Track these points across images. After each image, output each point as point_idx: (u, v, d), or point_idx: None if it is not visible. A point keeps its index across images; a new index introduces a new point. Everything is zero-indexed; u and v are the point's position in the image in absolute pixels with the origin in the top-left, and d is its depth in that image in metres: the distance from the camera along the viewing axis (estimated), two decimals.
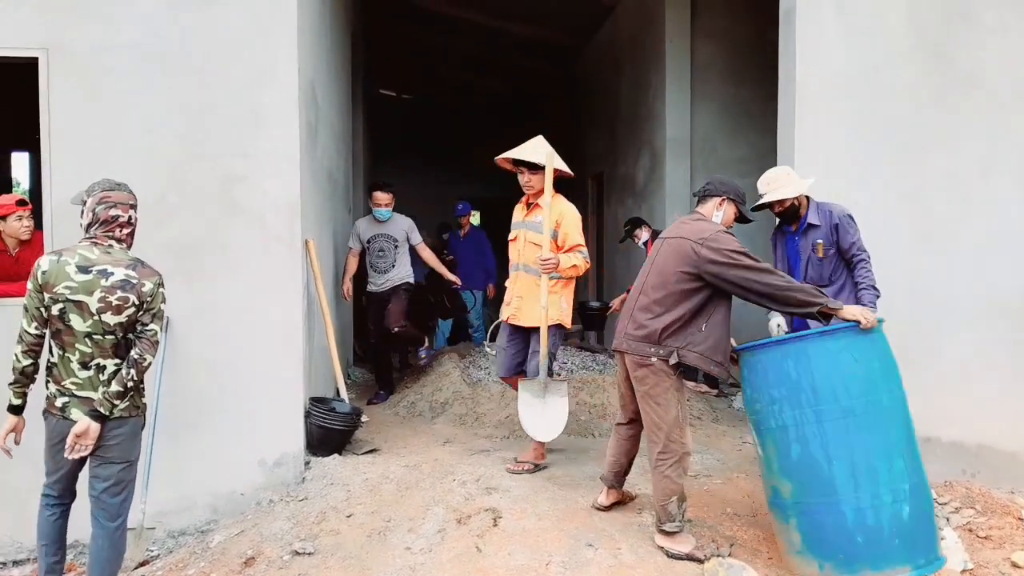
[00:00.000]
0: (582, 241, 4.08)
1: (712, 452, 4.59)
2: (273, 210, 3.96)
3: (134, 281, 2.82)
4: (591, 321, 7.62)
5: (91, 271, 2.78)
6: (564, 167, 4.09)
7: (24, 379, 2.85)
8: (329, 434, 4.21)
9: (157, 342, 2.90)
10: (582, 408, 5.19)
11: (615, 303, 4.77)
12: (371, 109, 10.25)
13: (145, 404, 3.04)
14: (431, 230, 9.30)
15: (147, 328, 2.86)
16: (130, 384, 2.81)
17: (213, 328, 3.90)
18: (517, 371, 4.28)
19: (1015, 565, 3.25)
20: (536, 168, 4.03)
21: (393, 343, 6.00)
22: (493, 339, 5.35)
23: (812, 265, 3.80)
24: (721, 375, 3.27)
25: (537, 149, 4.04)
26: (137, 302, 2.83)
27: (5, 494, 3.70)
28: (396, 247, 5.80)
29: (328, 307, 4.67)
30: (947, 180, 4.16)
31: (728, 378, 4.43)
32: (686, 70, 6.96)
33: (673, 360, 3.11)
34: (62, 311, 2.77)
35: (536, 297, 4.02)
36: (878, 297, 3.65)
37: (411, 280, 5.94)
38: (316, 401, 4.28)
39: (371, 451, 4.40)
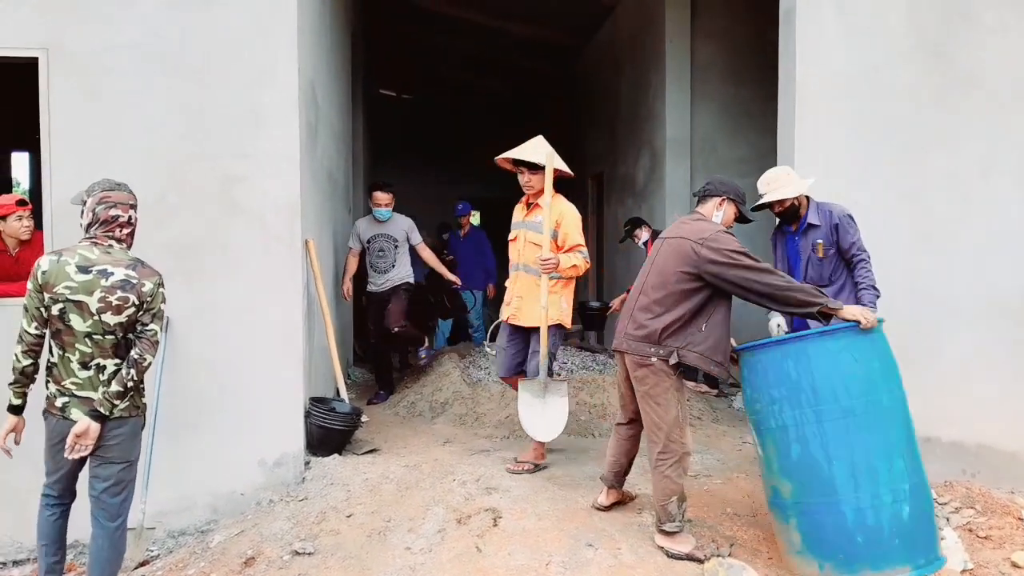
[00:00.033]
0: (582, 241, 4.08)
1: (712, 452, 4.59)
2: (273, 210, 3.96)
3: (134, 281, 2.82)
4: (591, 321, 7.62)
5: (91, 271, 2.78)
6: (564, 167, 4.08)
7: (24, 379, 2.85)
8: (329, 434, 4.21)
9: (157, 342, 2.90)
10: (582, 408, 5.19)
11: (615, 303, 4.77)
12: (371, 109, 10.25)
13: (145, 404, 3.04)
14: (431, 230, 9.30)
15: (147, 328, 2.86)
16: (130, 384, 2.82)
17: (213, 328, 3.90)
18: (517, 371, 4.28)
19: (1015, 565, 3.25)
20: (536, 168, 4.03)
21: (393, 343, 6.00)
22: (493, 339, 5.35)
23: (812, 265, 3.80)
24: (721, 375, 3.27)
25: (537, 149, 4.04)
26: (137, 302, 2.83)
27: (5, 494, 3.70)
28: (396, 247, 5.80)
29: (328, 307, 4.67)
30: (947, 180, 4.16)
31: (728, 378, 4.43)
32: (686, 70, 6.96)
33: (673, 360, 3.11)
34: (62, 311, 2.77)
35: (536, 297, 4.01)
36: (878, 297, 3.64)
37: (411, 280, 5.94)
38: (316, 401, 4.28)
39: (371, 451, 4.40)
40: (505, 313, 4.25)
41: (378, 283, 5.82)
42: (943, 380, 4.05)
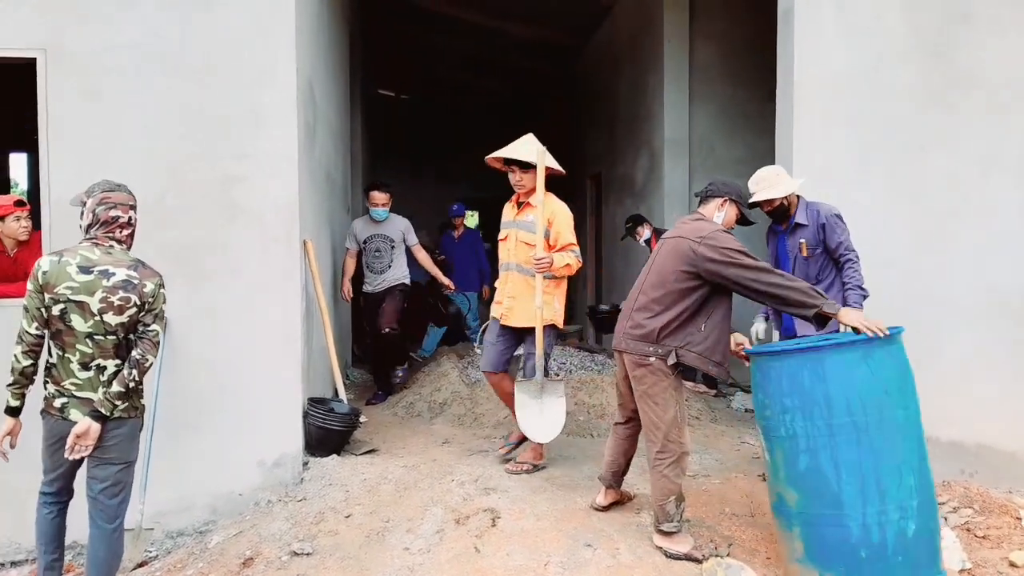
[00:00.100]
0: (574, 240, 4.02)
1: (710, 452, 4.59)
2: (272, 210, 3.95)
3: (135, 282, 2.83)
4: (601, 324, 7.62)
5: (93, 271, 2.78)
6: (555, 165, 4.01)
7: (24, 380, 2.84)
8: (328, 434, 4.20)
9: (158, 343, 2.90)
10: (580, 408, 5.19)
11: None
12: (369, 109, 10.25)
13: (143, 405, 3.04)
14: (430, 230, 9.31)
15: (148, 329, 2.87)
16: (131, 384, 2.82)
17: (212, 328, 3.90)
18: (502, 368, 4.19)
19: (1013, 564, 3.25)
20: (527, 166, 3.96)
21: (380, 345, 5.82)
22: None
23: (799, 264, 3.80)
24: (720, 375, 3.25)
25: (528, 147, 3.97)
26: (139, 303, 2.83)
27: (4, 495, 3.69)
28: (392, 247, 5.78)
29: (327, 307, 4.67)
30: (947, 180, 4.16)
31: (727, 378, 4.42)
32: (684, 71, 6.97)
33: (671, 360, 3.11)
34: (63, 311, 2.76)
35: (528, 297, 3.96)
36: (865, 297, 3.63)
37: (407, 281, 5.91)
38: (315, 401, 4.27)
39: (370, 451, 4.40)
40: (496, 312, 4.16)
41: (374, 283, 5.81)
42: (943, 380, 4.05)
